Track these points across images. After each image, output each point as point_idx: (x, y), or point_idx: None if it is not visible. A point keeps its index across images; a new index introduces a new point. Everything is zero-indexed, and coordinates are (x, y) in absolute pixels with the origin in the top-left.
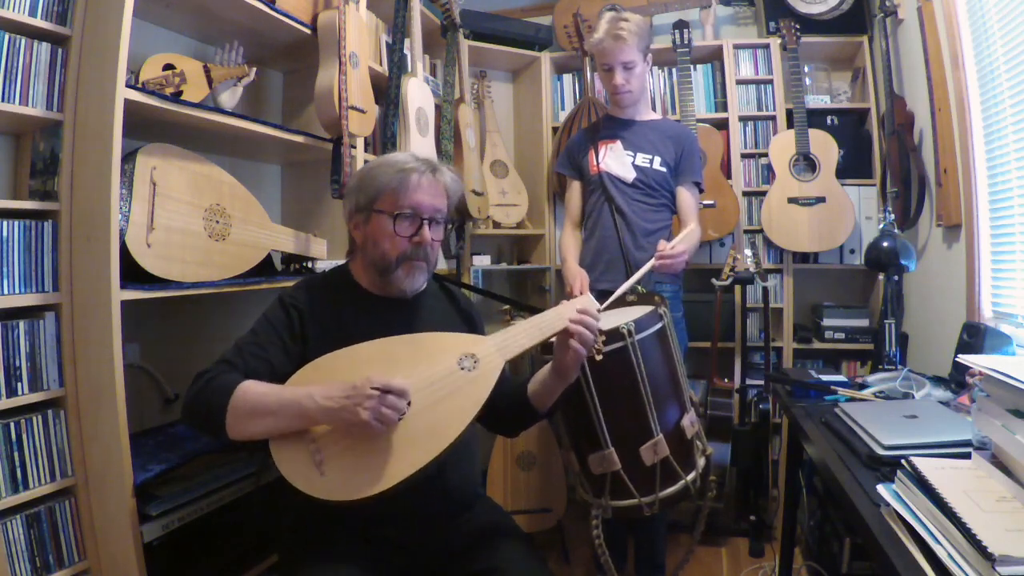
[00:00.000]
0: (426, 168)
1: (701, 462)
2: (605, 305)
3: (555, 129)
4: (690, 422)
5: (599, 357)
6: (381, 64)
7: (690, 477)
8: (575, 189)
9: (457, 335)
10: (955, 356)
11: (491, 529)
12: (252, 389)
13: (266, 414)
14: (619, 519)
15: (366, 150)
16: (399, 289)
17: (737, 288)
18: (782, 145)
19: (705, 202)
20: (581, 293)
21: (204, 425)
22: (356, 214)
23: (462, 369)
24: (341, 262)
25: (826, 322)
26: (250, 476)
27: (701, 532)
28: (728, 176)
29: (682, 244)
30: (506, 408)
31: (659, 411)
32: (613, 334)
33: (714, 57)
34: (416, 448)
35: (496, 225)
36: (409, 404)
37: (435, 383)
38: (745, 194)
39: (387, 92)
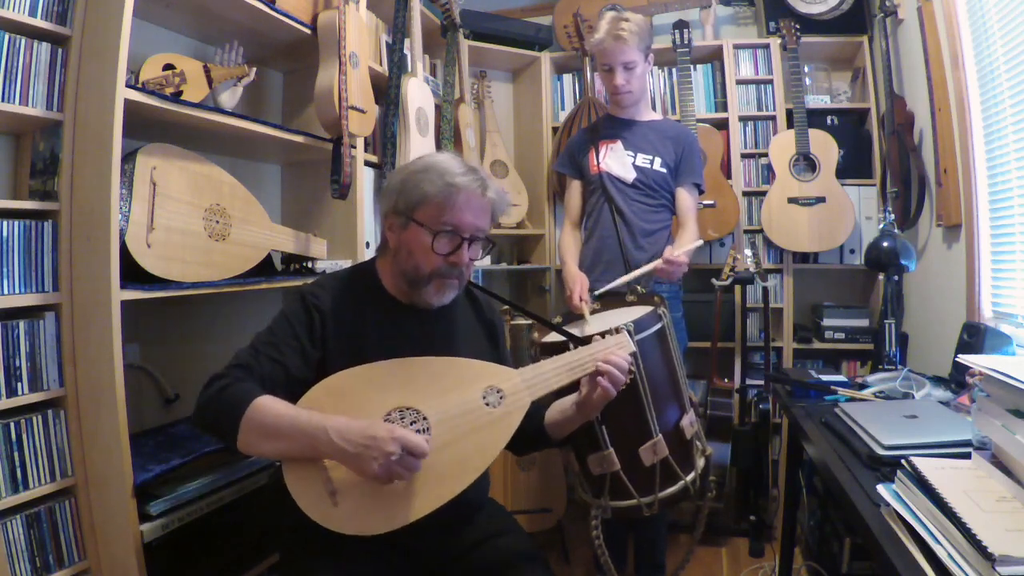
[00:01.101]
0: (477, 185)
1: (701, 462)
2: (599, 293)
3: (555, 129)
4: (689, 422)
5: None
6: (381, 64)
7: (689, 477)
8: (575, 189)
9: (484, 364)
10: (955, 356)
11: (493, 530)
12: (267, 408)
13: (278, 438)
14: (619, 519)
15: (366, 150)
16: (425, 303)
17: (737, 288)
18: (782, 145)
19: (705, 202)
20: (581, 298)
21: (214, 434)
22: (393, 216)
23: (487, 404)
24: (342, 262)
25: (826, 322)
26: (251, 476)
27: (701, 532)
28: (728, 176)
29: (686, 256)
30: (522, 433)
31: (658, 412)
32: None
33: (714, 57)
34: (434, 487)
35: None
36: (430, 437)
37: (457, 416)
38: (745, 194)
39: (387, 92)
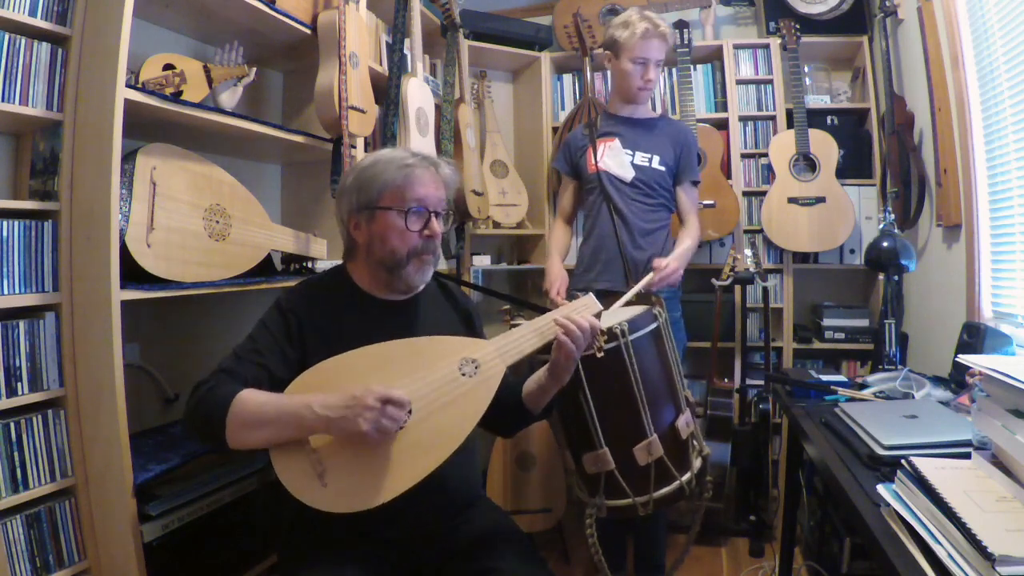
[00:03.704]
0: (426, 162)
1: (697, 463)
2: (620, 304)
3: (555, 129)
4: (685, 423)
5: (600, 354)
6: (381, 64)
7: (685, 478)
8: (568, 186)
9: (457, 339)
10: (955, 356)
11: (491, 529)
12: (250, 399)
13: (265, 424)
14: (614, 518)
15: (366, 150)
16: (407, 285)
17: (737, 288)
18: (782, 145)
19: (705, 202)
20: (559, 297)
21: (204, 436)
22: (356, 213)
23: (463, 375)
24: (340, 262)
25: (826, 322)
26: (251, 476)
27: (697, 532)
28: (728, 176)
29: (676, 261)
30: (502, 409)
31: (653, 411)
32: (607, 334)
33: (714, 57)
34: (418, 458)
35: (496, 225)
36: (410, 412)
37: (436, 390)
38: (745, 194)
39: (387, 92)
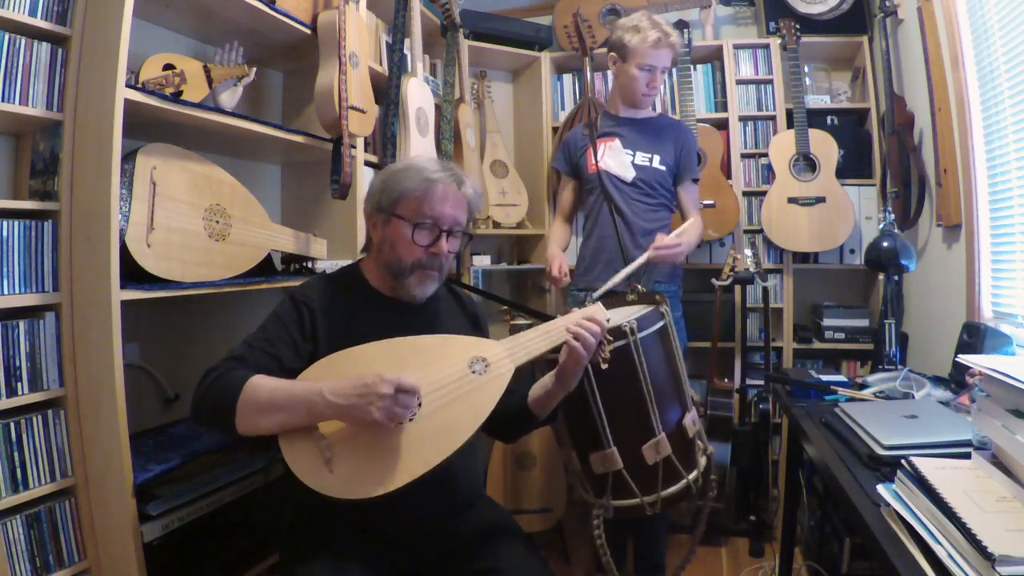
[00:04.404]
0: (452, 179)
1: (702, 461)
2: (598, 294)
3: (555, 129)
4: (691, 421)
5: (604, 366)
6: (381, 64)
7: (692, 476)
8: (568, 186)
9: (467, 338)
10: (955, 356)
11: (492, 528)
12: (262, 384)
13: (275, 410)
14: (620, 519)
15: (366, 150)
16: (408, 294)
17: (737, 288)
18: (782, 145)
19: (705, 202)
20: (560, 273)
21: (214, 421)
22: (376, 214)
23: (473, 372)
24: (342, 262)
25: (826, 322)
26: (250, 476)
27: (702, 532)
28: (728, 176)
29: (677, 238)
30: (507, 414)
31: (661, 410)
32: (615, 332)
33: (714, 57)
34: (426, 450)
35: (496, 225)
36: (420, 404)
37: (446, 385)
38: (745, 194)
39: (387, 92)
